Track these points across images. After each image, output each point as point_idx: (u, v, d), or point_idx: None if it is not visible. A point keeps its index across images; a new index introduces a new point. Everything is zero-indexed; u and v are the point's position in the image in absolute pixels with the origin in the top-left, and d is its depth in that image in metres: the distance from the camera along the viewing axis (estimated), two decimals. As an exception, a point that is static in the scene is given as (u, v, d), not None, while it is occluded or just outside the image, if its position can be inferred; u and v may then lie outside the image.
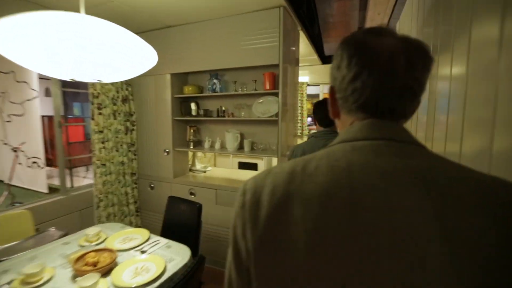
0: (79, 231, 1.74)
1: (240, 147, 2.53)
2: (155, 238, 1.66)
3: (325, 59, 4.33)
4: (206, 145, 2.64)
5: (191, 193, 2.55)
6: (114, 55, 1.03)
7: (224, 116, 2.50)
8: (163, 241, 1.63)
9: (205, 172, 2.94)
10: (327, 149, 0.43)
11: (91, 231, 1.63)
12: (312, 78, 4.41)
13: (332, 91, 0.49)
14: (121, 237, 1.65)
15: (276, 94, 2.24)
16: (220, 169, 3.15)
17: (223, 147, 2.63)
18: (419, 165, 0.36)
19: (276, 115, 2.21)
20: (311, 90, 5.58)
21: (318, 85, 4.46)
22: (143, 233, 1.68)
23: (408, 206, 0.33)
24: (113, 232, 1.71)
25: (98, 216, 2.47)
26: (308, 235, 0.35)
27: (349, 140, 0.42)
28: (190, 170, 2.97)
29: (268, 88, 2.23)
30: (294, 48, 2.47)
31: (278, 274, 0.37)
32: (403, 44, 0.41)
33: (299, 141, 3.86)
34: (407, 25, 1.84)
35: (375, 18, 3.98)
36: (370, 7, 2.39)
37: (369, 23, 4.81)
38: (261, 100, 2.37)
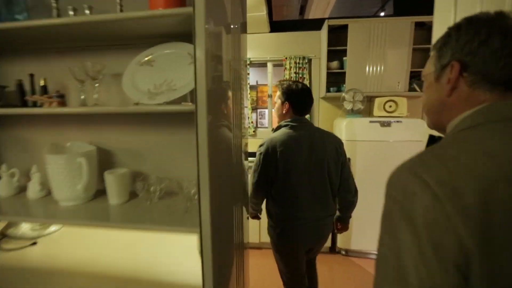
0: None
1: (100, 192, 0.91)
2: None
3: (273, 26, 2.98)
4: (3, 188, 0.93)
5: None
6: None
7: (41, 106, 0.85)
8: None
9: (35, 243, 1.21)
10: (483, 128, 0.44)
11: None
12: (257, 53, 3.02)
13: (461, 66, 0.48)
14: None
15: (187, 36, 0.72)
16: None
17: (48, 194, 0.95)
18: None
19: (189, 98, 0.71)
20: (253, 76, 4.27)
21: (265, 63, 3.08)
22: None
23: None
24: None
25: None
26: None
27: (506, 119, 0.43)
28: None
29: (164, 4, 0.69)
30: None
31: (506, 260, 0.36)
32: None
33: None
34: None
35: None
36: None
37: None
38: (147, 57, 0.82)
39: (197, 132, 0.60)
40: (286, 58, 2.91)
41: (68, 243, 1.19)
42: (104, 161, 0.94)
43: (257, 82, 4.76)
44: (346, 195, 1.41)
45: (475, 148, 0.40)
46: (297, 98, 1.34)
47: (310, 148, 1.31)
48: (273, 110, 1.59)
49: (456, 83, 0.49)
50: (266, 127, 3.30)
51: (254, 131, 3.18)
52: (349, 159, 2.43)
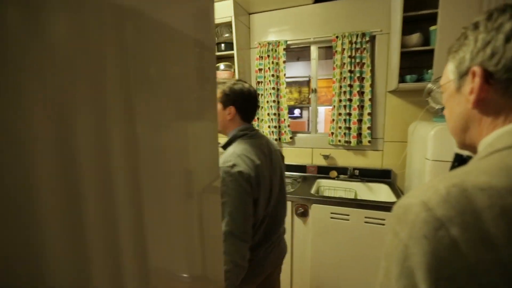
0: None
1: None
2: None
3: (319, -6, 2.15)
4: None
5: None
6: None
7: None
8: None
9: None
10: None
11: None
12: (296, 33, 2.24)
13: (484, 72, 0.39)
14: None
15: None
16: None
17: None
18: None
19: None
20: (292, 69, 3.52)
21: (308, 46, 2.28)
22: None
23: None
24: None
25: None
26: None
27: None
28: None
29: None
30: None
31: None
32: None
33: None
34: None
35: None
36: None
37: None
38: None
39: None
40: (336, 37, 2.07)
41: None
42: None
43: (309, 76, 4.04)
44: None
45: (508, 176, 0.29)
46: (244, 101, 1.13)
47: (272, 160, 1.19)
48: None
49: (481, 93, 0.39)
50: (307, 133, 2.49)
51: (291, 138, 2.42)
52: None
